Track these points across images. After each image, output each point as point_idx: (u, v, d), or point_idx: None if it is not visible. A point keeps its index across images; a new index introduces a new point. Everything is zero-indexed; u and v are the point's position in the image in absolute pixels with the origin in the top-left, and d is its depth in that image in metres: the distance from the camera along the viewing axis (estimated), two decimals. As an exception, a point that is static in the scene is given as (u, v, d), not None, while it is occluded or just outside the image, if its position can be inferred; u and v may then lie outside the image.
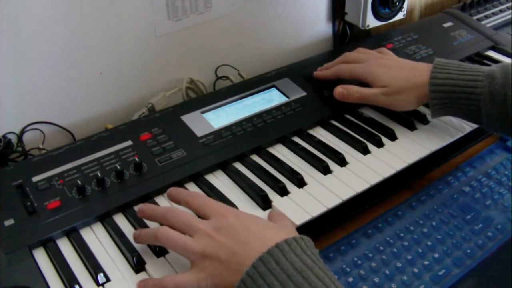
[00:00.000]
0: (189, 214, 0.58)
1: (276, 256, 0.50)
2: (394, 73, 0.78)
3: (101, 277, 0.57)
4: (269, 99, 0.85)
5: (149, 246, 0.61)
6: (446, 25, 1.10)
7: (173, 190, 0.63)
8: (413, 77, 0.77)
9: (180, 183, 0.70)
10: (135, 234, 0.60)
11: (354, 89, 0.80)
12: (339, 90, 0.81)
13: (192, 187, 0.70)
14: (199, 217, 0.59)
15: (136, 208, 0.65)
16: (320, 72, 0.87)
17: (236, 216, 0.57)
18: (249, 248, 0.52)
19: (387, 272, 0.64)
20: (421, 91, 0.76)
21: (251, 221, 0.56)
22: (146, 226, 0.63)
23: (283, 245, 0.51)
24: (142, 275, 0.58)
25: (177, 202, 0.62)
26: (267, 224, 0.58)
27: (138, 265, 0.59)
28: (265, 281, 0.49)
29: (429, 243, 0.68)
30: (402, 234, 0.69)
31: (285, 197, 0.68)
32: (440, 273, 0.64)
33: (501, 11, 1.18)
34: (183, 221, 0.57)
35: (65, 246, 0.62)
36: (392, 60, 0.83)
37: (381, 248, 0.67)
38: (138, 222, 0.64)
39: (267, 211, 0.65)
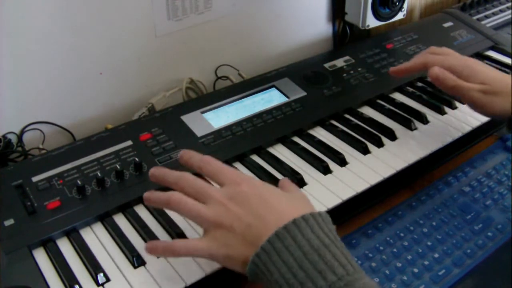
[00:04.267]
0: (202, 180, 0.56)
1: (292, 232, 0.49)
2: (494, 72, 0.74)
3: (101, 277, 0.57)
4: (269, 99, 0.85)
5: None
6: (446, 25, 1.10)
7: (185, 153, 0.60)
8: None
9: (180, 183, 0.70)
10: (146, 195, 0.57)
11: (451, 76, 0.73)
12: (436, 70, 0.74)
13: (192, 187, 0.70)
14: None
15: (149, 172, 0.60)
16: (402, 65, 0.80)
17: (250, 185, 0.55)
18: (265, 222, 0.51)
19: (387, 272, 0.64)
20: None
21: (266, 192, 0.55)
22: (146, 225, 0.63)
23: (300, 221, 0.50)
24: (142, 274, 0.58)
25: (190, 166, 0.59)
26: (281, 194, 0.56)
27: (138, 265, 0.59)
28: (280, 257, 0.48)
29: (429, 243, 0.68)
30: (402, 234, 0.69)
31: (285, 197, 0.68)
32: (440, 273, 0.64)
33: (501, 11, 1.18)
34: (196, 187, 0.55)
35: (65, 246, 0.62)
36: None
37: (381, 248, 0.67)
38: (138, 222, 0.64)
39: None
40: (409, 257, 0.66)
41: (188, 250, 0.53)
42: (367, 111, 0.86)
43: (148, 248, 0.55)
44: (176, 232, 0.62)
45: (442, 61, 0.75)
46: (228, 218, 0.52)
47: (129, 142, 0.74)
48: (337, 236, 0.51)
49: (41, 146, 0.79)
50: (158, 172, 0.58)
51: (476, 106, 0.73)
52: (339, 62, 0.95)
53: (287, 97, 0.85)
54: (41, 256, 0.60)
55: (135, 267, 0.59)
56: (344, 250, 0.49)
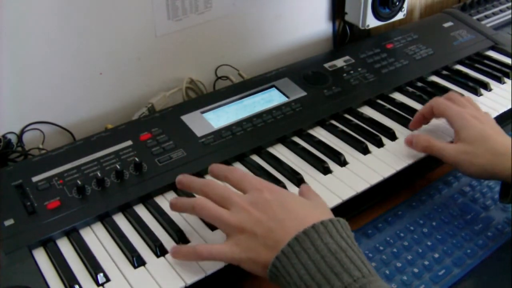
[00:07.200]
0: (226, 187, 0.59)
1: (311, 237, 0.51)
2: (482, 126, 0.70)
3: (101, 277, 0.57)
4: (269, 99, 0.85)
5: (149, 246, 0.61)
6: (446, 25, 1.10)
7: (214, 166, 0.63)
8: (496, 140, 0.68)
9: (180, 183, 0.70)
10: (172, 201, 0.61)
11: (422, 138, 0.74)
12: (408, 137, 0.75)
13: (192, 187, 0.70)
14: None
15: (176, 179, 0.63)
16: (415, 116, 0.79)
17: (271, 191, 0.58)
18: (285, 226, 0.53)
19: (387, 272, 0.64)
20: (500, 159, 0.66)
21: (286, 198, 0.58)
22: (146, 225, 0.63)
23: (319, 226, 0.52)
24: (142, 274, 0.58)
25: (217, 177, 0.63)
26: (301, 201, 0.59)
27: (138, 265, 0.59)
28: (299, 260, 0.50)
29: (429, 243, 0.68)
30: (402, 234, 0.69)
31: (285, 197, 0.68)
32: (440, 273, 0.64)
33: (501, 11, 1.18)
34: (220, 193, 0.58)
35: (65, 246, 0.62)
36: (486, 117, 0.74)
37: (381, 248, 0.67)
38: (138, 222, 0.64)
39: None
40: (409, 257, 0.66)
41: (211, 254, 0.56)
42: (367, 111, 0.86)
43: (172, 252, 0.58)
44: (175, 232, 0.62)
45: (444, 106, 0.74)
46: (250, 223, 0.55)
47: (129, 142, 0.74)
48: (355, 241, 0.53)
49: (41, 146, 0.79)
50: (185, 179, 0.62)
51: (450, 163, 0.71)
52: (339, 62, 0.95)
53: (287, 97, 0.85)
54: (41, 256, 0.60)
55: (135, 267, 0.59)
56: (361, 255, 0.52)
